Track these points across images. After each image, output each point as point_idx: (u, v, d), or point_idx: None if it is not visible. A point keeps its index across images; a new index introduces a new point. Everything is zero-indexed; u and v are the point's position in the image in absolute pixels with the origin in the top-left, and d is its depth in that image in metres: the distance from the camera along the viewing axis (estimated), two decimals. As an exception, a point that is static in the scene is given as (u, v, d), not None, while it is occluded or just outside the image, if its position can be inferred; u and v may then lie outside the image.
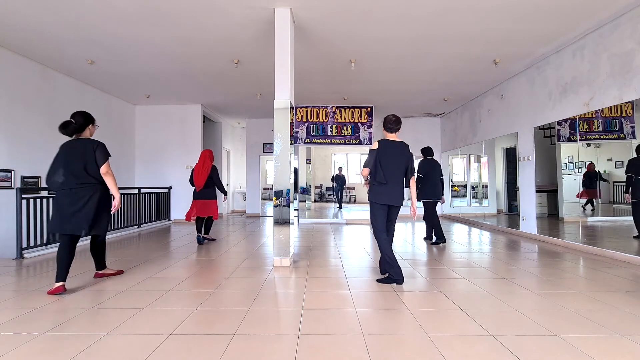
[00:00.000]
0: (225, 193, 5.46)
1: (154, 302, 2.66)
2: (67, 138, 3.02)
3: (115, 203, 3.06)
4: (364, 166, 3.32)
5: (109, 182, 2.97)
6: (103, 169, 2.94)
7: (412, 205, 3.39)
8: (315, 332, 2.11)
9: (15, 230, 4.44)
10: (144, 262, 4.02)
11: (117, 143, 7.78)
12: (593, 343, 1.95)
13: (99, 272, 3.35)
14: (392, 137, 3.37)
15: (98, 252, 3.32)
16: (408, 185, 3.35)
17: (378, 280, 3.24)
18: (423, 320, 2.28)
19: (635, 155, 4.28)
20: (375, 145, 3.27)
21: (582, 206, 4.99)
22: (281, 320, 2.34)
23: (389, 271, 3.16)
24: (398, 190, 3.28)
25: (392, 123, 3.34)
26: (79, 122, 2.98)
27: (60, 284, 2.85)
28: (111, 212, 3.08)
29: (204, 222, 5.37)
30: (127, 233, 6.44)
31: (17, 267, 3.91)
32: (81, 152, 2.90)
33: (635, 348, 1.89)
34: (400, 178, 3.29)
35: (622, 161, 4.47)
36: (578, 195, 4.92)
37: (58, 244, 4.81)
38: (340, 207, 10.97)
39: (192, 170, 5.29)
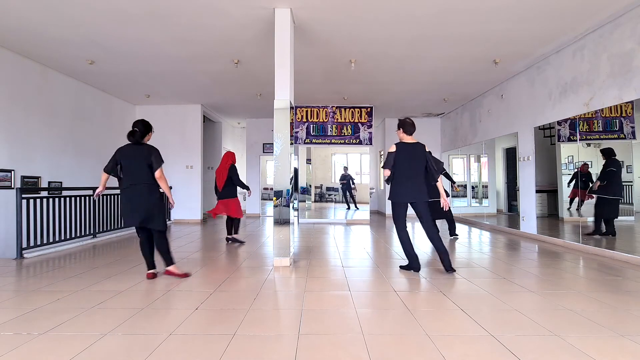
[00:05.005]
0: (247, 188, 5.48)
1: (154, 302, 2.66)
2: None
3: (172, 201, 3.63)
4: (383, 167, 3.58)
5: (162, 184, 3.34)
6: (157, 174, 3.29)
7: (442, 199, 3.61)
8: (315, 332, 2.11)
9: (15, 230, 4.44)
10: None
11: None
12: (593, 343, 1.95)
13: (168, 269, 3.37)
14: (408, 139, 3.60)
15: (159, 248, 3.36)
16: (435, 181, 3.57)
17: (400, 267, 3.68)
18: (423, 320, 2.28)
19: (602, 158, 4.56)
20: (393, 148, 3.51)
21: (572, 208, 5.12)
22: (281, 320, 2.34)
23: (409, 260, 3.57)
24: (418, 188, 3.50)
25: (412, 126, 3.59)
26: (142, 129, 3.37)
27: (151, 271, 3.34)
28: (171, 209, 3.38)
29: (231, 223, 5.41)
30: (127, 233, 6.43)
31: (17, 267, 3.91)
32: (145, 156, 3.28)
33: (635, 348, 1.89)
34: (420, 176, 3.53)
35: (622, 161, 4.47)
36: (570, 196, 5.03)
37: (58, 244, 4.89)
38: (348, 207, 10.13)
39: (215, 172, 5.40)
